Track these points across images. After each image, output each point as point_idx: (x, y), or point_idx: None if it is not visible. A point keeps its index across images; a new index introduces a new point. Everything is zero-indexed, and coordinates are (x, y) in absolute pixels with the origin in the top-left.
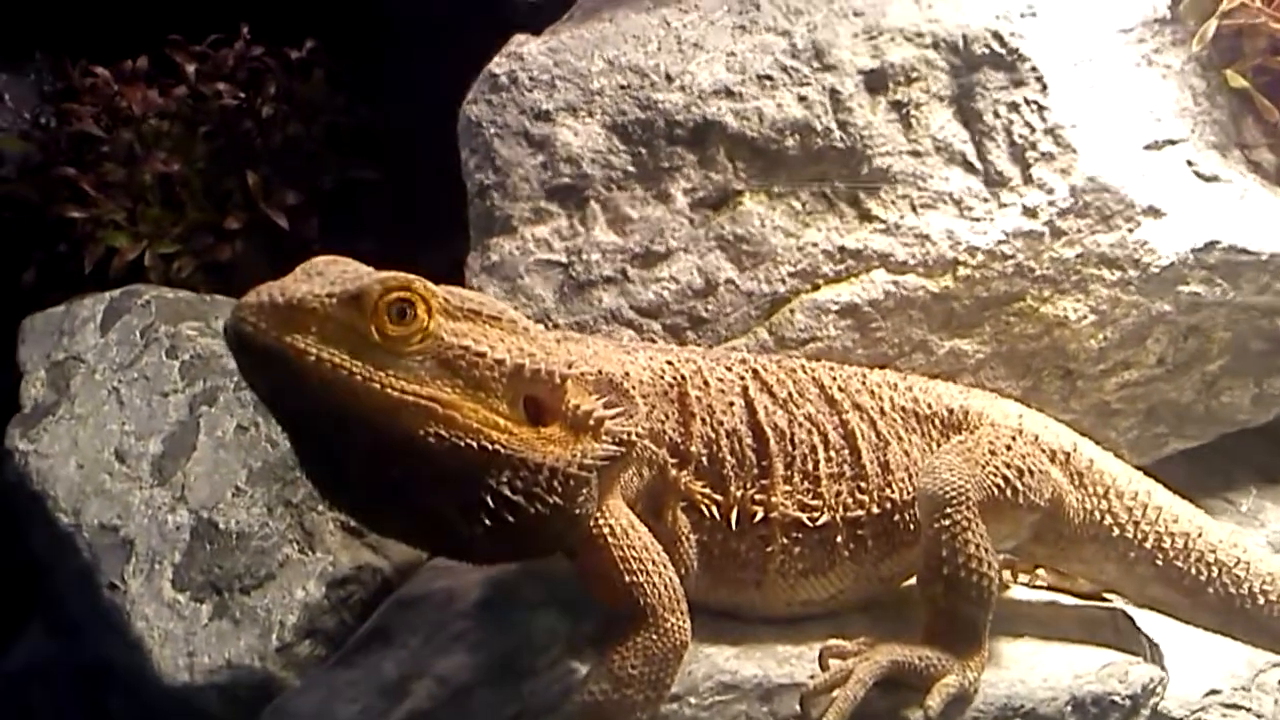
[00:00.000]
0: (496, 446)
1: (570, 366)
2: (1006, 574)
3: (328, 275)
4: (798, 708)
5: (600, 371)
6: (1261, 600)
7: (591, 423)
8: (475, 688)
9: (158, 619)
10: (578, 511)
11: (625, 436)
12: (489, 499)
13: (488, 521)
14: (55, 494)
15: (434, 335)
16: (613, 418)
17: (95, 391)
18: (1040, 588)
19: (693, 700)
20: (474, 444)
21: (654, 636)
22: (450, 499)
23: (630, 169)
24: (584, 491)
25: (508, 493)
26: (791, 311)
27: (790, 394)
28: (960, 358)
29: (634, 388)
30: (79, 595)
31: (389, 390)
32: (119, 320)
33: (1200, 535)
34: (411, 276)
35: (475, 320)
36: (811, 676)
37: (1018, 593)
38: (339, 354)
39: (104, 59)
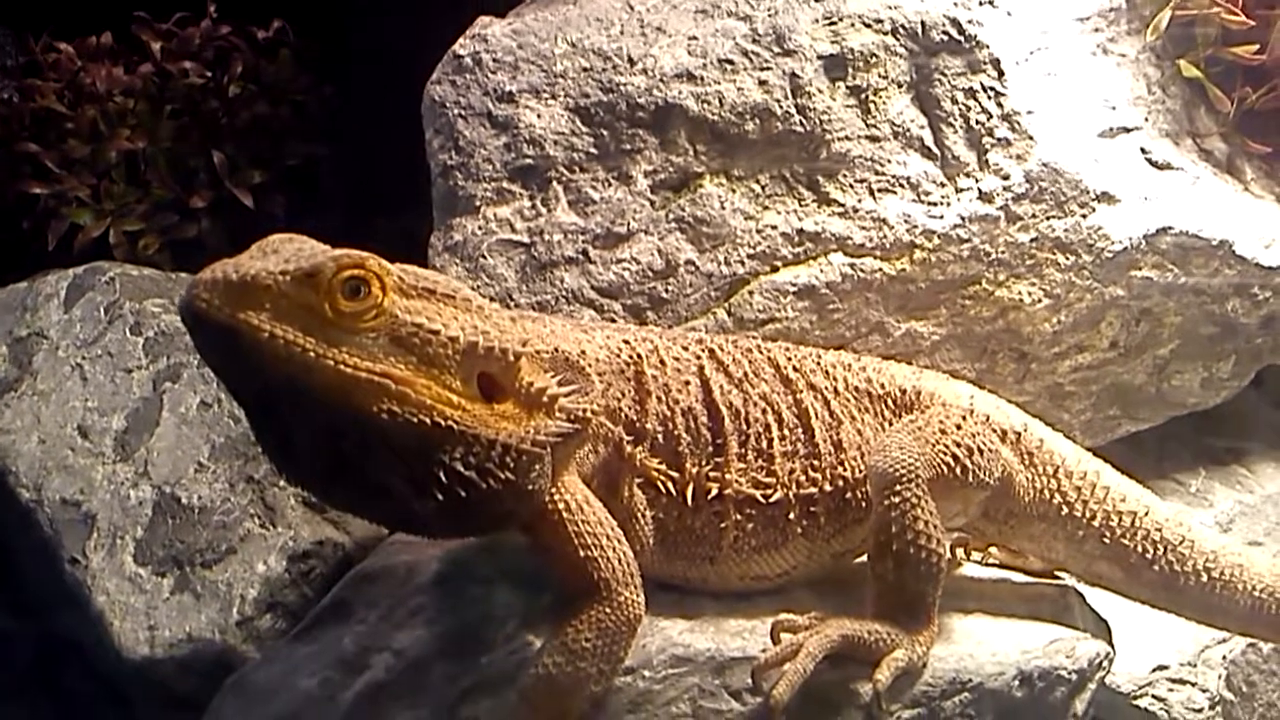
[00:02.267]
0: (449, 423)
1: (525, 344)
2: (959, 552)
3: (283, 253)
4: (750, 680)
5: (556, 350)
6: (1205, 578)
7: (545, 400)
8: (433, 660)
9: (119, 593)
10: (531, 488)
11: (579, 413)
12: (442, 475)
13: (440, 497)
14: (17, 469)
15: (388, 313)
16: (567, 395)
17: (58, 368)
18: (991, 565)
19: (646, 673)
20: (427, 420)
21: (608, 610)
22: (404, 474)
23: (592, 151)
24: (537, 468)
25: (460, 468)
26: (750, 293)
27: (746, 373)
28: (916, 339)
29: (590, 366)
30: (40, 570)
31: (342, 367)
32: (83, 297)
33: (1147, 514)
34: (366, 254)
35: (430, 298)
36: (763, 650)
37: (969, 570)
38: (292, 331)
39: (67, 35)
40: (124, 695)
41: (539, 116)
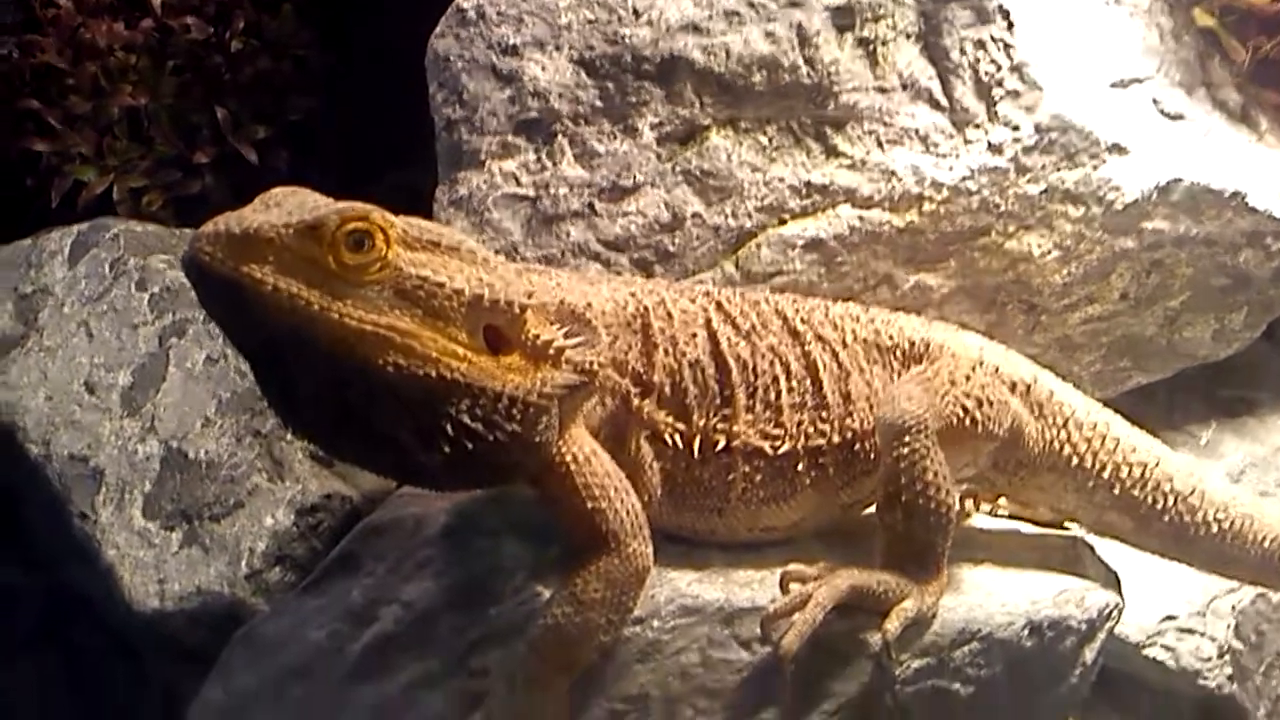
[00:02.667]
0: (455, 375)
1: (530, 296)
2: (969, 503)
3: (286, 206)
4: (759, 630)
5: (562, 302)
6: (1215, 528)
7: (551, 352)
8: (441, 612)
9: (128, 547)
10: (537, 440)
11: (586, 365)
12: (448, 427)
13: (447, 449)
14: (25, 425)
15: (392, 265)
16: (573, 347)
17: (64, 324)
18: (1001, 516)
19: (655, 623)
20: (432, 373)
21: (616, 561)
22: (410, 427)
23: (598, 104)
24: (544, 420)
25: (467, 421)
26: (758, 246)
27: (753, 325)
28: (925, 292)
29: (596, 318)
30: (50, 525)
31: (346, 320)
32: (87, 253)
33: (1158, 465)
34: (369, 207)
35: (434, 251)
36: (772, 600)
37: (979, 521)
38: (296, 284)
39: None
40: (134, 649)
41: (543, 69)
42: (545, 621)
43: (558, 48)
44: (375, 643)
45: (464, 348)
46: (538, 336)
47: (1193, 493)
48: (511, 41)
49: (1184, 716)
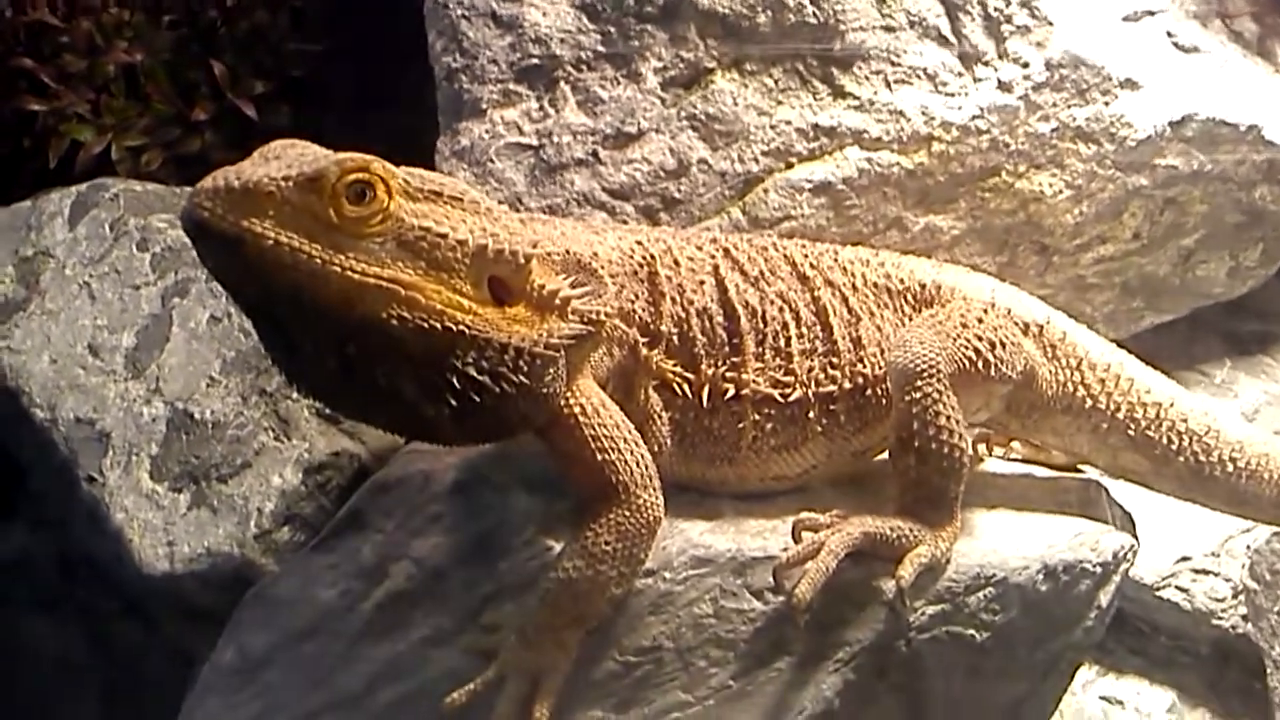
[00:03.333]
0: (460, 327)
1: (535, 246)
2: (982, 447)
3: (285, 158)
4: (771, 580)
5: (567, 252)
6: (1231, 468)
7: (558, 302)
8: (452, 568)
9: (136, 510)
10: (545, 391)
11: (592, 316)
12: (454, 380)
13: (454, 402)
14: (30, 390)
15: (394, 217)
16: (579, 297)
17: (66, 286)
18: (1015, 460)
19: (667, 575)
20: (438, 325)
21: (627, 513)
22: (415, 381)
23: (600, 48)
24: (550, 371)
25: (473, 373)
26: (765, 191)
27: (761, 271)
28: (935, 234)
29: (602, 268)
30: (58, 489)
31: (349, 273)
32: (87, 214)
33: (1172, 405)
34: (369, 157)
35: (436, 201)
36: (784, 549)
37: (992, 465)
38: (297, 237)
39: None
40: (145, 611)
41: (544, 15)
42: (557, 575)
43: None
44: (387, 600)
45: (468, 299)
46: (543, 287)
47: (1207, 432)
48: None
49: (1198, 657)
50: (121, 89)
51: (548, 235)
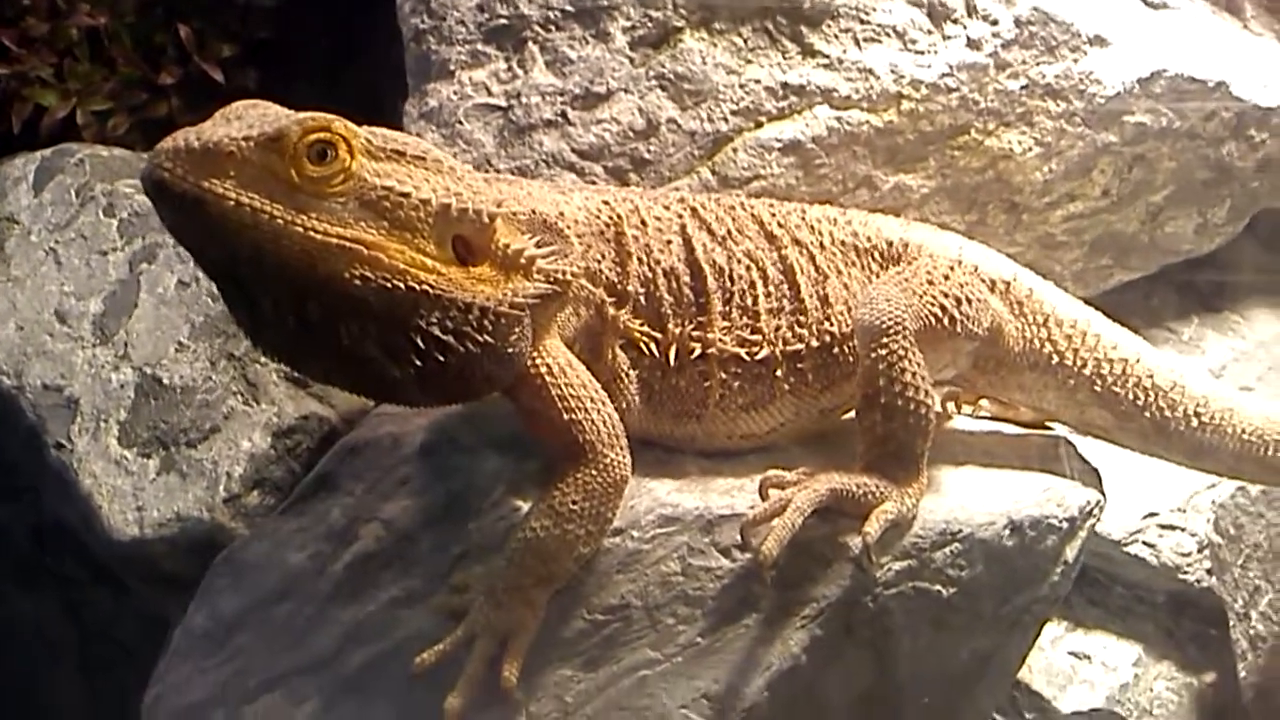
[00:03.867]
0: (425, 286)
1: (499, 205)
2: (950, 405)
3: (246, 119)
4: (738, 537)
5: (533, 211)
6: (1195, 422)
7: (523, 261)
8: (421, 529)
9: (105, 476)
10: (510, 350)
11: (558, 275)
12: (419, 339)
13: (419, 362)
14: None
15: (356, 176)
16: (545, 256)
17: (32, 253)
18: (983, 417)
19: (635, 533)
20: (401, 284)
21: (594, 472)
22: (380, 341)
23: (568, 8)
24: (516, 330)
25: (438, 333)
26: (734, 150)
27: (729, 231)
28: (905, 193)
29: (569, 227)
30: (27, 456)
31: (312, 233)
32: (52, 180)
33: (1138, 361)
34: (331, 117)
35: (399, 160)
36: (751, 507)
37: (960, 423)
38: (259, 197)
39: None
40: (116, 577)
41: None
42: (524, 535)
43: None
44: (356, 562)
45: (432, 259)
46: (508, 246)
47: (1173, 388)
48: None
49: (1163, 611)
50: (86, 53)
51: (513, 195)
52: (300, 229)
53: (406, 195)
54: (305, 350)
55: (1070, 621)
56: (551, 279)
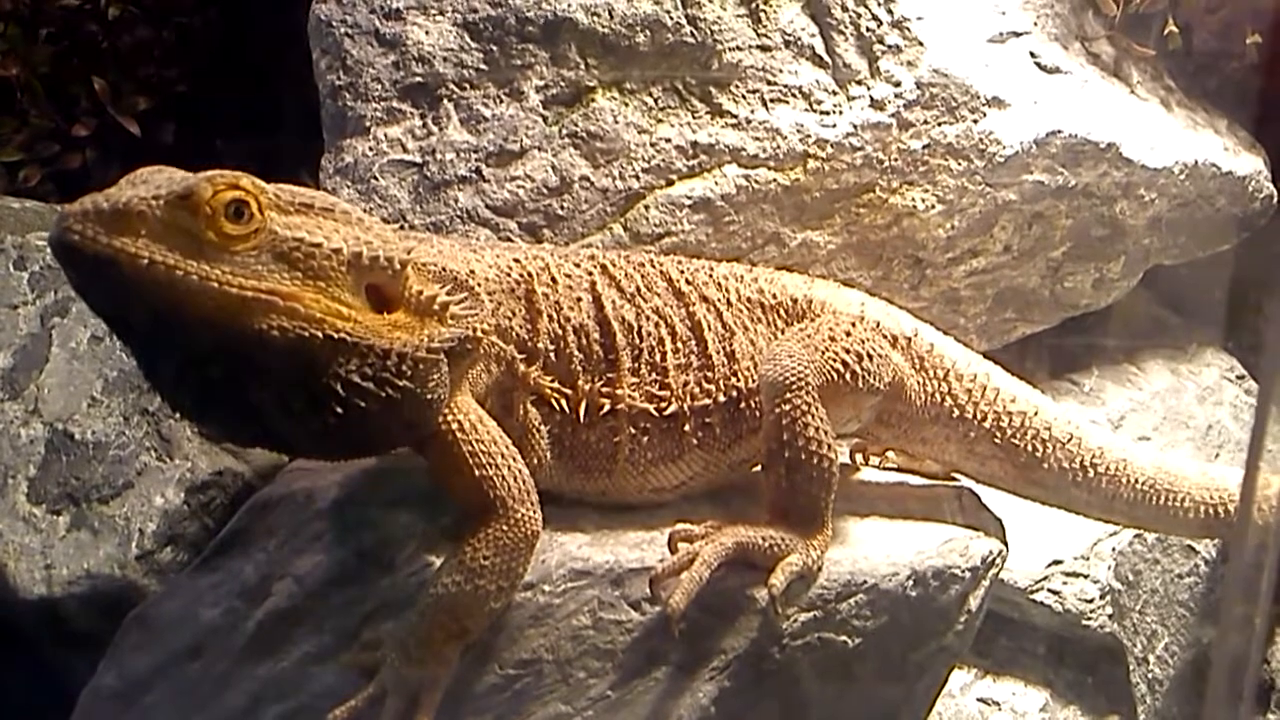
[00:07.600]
0: (342, 334)
1: (409, 253)
2: (858, 457)
3: (153, 182)
4: (648, 591)
5: (444, 269)
6: (1093, 473)
7: (436, 307)
8: (333, 585)
9: (12, 534)
10: (429, 396)
11: (470, 321)
12: (339, 387)
13: (339, 410)
14: None
15: (267, 230)
16: (457, 303)
17: None
18: (890, 469)
19: (546, 588)
20: (319, 333)
21: (505, 528)
22: (299, 391)
23: (482, 67)
24: (435, 376)
25: (357, 380)
26: (646, 207)
27: (638, 288)
28: (813, 249)
29: (479, 285)
30: None
31: (227, 287)
32: None
33: (1036, 414)
34: (238, 174)
35: (308, 213)
36: (660, 560)
37: (867, 474)
38: (172, 255)
39: None
40: (26, 636)
41: (427, 33)
42: (435, 590)
43: (441, 11)
44: (268, 619)
45: (348, 307)
46: (420, 292)
47: (1070, 440)
48: (394, 5)
49: (1069, 657)
50: None
51: (424, 250)
52: (215, 284)
53: (318, 245)
54: (227, 408)
55: (979, 669)
56: (466, 324)
